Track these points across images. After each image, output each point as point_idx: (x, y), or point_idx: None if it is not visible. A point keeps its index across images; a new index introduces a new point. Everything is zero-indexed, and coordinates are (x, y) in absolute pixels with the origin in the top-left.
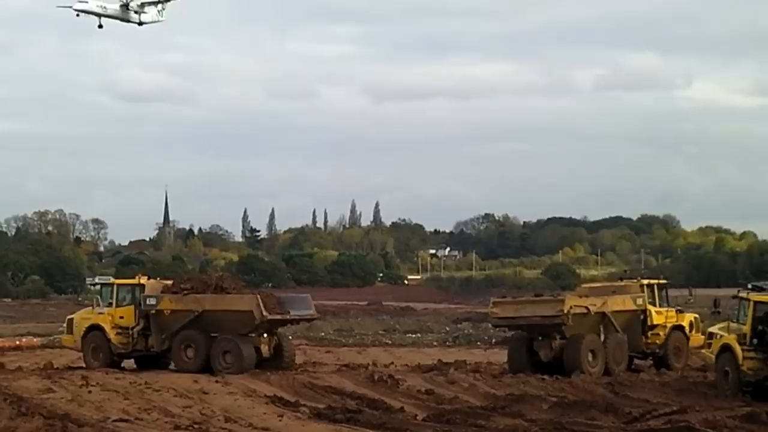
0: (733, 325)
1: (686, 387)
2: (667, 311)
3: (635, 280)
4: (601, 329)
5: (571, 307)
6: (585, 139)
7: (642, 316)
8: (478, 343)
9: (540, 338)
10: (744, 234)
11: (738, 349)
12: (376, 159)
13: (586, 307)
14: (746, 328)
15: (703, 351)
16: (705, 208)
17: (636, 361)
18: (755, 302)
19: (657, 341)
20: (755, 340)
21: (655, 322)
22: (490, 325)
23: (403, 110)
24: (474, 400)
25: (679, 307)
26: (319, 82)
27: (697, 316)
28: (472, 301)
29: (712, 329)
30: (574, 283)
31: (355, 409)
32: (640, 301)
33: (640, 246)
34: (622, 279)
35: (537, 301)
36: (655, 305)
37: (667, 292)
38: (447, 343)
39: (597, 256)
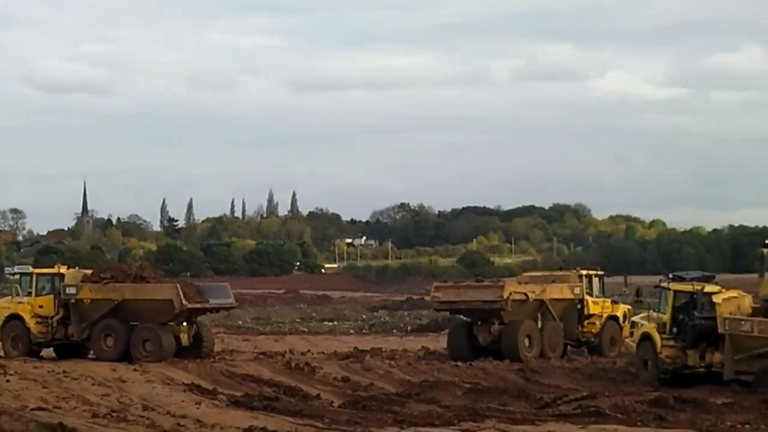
0: (654, 314)
1: (596, 373)
2: (603, 302)
3: (574, 271)
4: (539, 316)
5: (510, 293)
6: (500, 129)
7: (579, 306)
8: (394, 330)
9: (479, 323)
10: (653, 222)
11: (657, 337)
12: (294, 149)
13: (525, 294)
14: (666, 318)
15: (626, 339)
16: (616, 197)
17: (570, 348)
18: (675, 292)
19: (592, 330)
20: (674, 329)
21: (591, 312)
22: (405, 313)
23: (322, 101)
24: (389, 386)
25: (614, 298)
26: (240, 73)
27: (629, 307)
28: (388, 289)
29: (634, 318)
30: (489, 271)
31: (272, 397)
32: (577, 290)
33: (553, 234)
34: (561, 269)
35: (478, 286)
36: (591, 295)
37: (603, 283)
38: (363, 330)
39: (511, 244)
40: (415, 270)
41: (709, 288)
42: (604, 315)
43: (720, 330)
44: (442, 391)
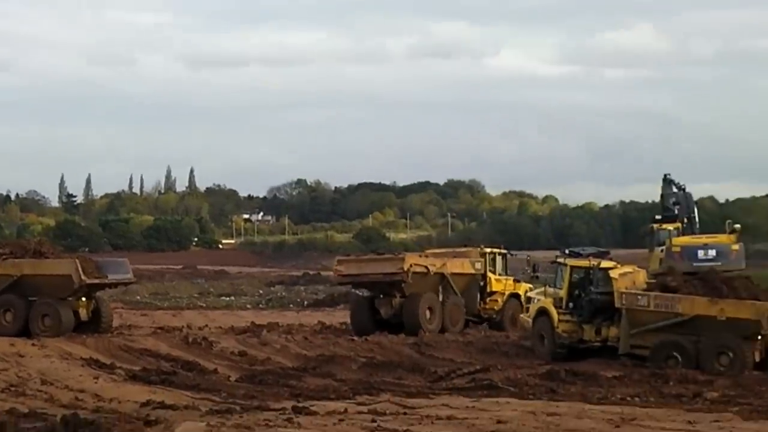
0: (550, 289)
1: (489, 347)
2: (505, 280)
3: (478, 248)
4: (440, 290)
5: (411, 266)
6: (396, 106)
7: (481, 282)
8: (291, 305)
9: (381, 296)
10: (546, 198)
11: (554, 312)
12: (192, 125)
13: (426, 267)
14: (562, 293)
15: (521, 315)
16: (509, 174)
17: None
18: (571, 267)
19: (494, 307)
20: (570, 304)
21: (493, 289)
22: (302, 288)
23: (219, 77)
24: (286, 361)
25: (516, 277)
26: (137, 50)
27: (531, 286)
28: (284, 264)
29: (530, 294)
30: (384, 246)
31: (169, 371)
32: (478, 266)
33: (447, 210)
34: (465, 246)
35: (379, 258)
36: (494, 273)
37: (506, 262)
38: (260, 305)
39: (406, 220)
40: (311, 245)
41: (605, 263)
42: (507, 293)
43: (617, 304)
44: (338, 365)
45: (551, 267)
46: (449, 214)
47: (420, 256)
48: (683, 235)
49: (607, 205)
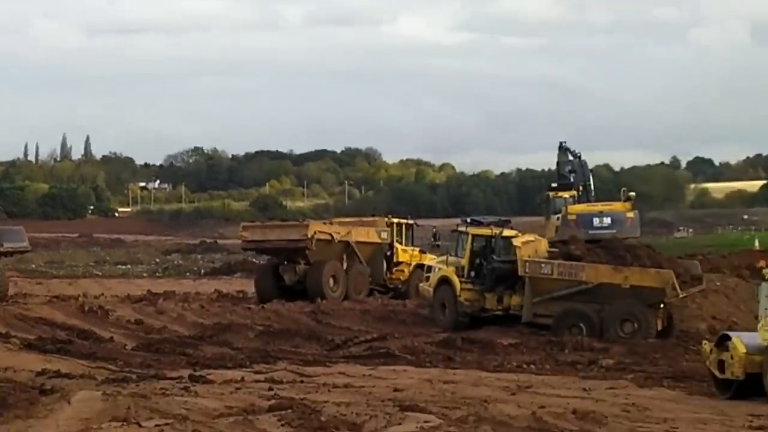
0: (452, 258)
1: (386, 315)
2: (412, 250)
3: (386, 218)
4: (345, 258)
5: (315, 233)
6: (293, 74)
7: (388, 252)
8: (188, 274)
9: (285, 263)
10: (443, 166)
11: (456, 281)
12: (88, 93)
13: (330, 234)
14: (464, 261)
15: (421, 285)
16: (407, 142)
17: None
18: (473, 236)
19: (400, 277)
20: (472, 273)
21: (399, 259)
22: (198, 257)
23: (117, 44)
24: (182, 329)
25: (422, 248)
26: (33, 17)
27: (435, 257)
28: (181, 233)
29: (430, 262)
30: (281, 214)
31: (65, 340)
32: (384, 235)
33: (344, 178)
34: (373, 215)
35: (283, 225)
36: (401, 243)
37: (412, 233)
38: (156, 274)
39: (303, 188)
40: (208, 214)
41: (507, 232)
42: (413, 263)
43: (520, 272)
44: (234, 334)
45: (452, 236)
46: (346, 183)
47: (325, 223)
48: (579, 203)
49: (503, 173)
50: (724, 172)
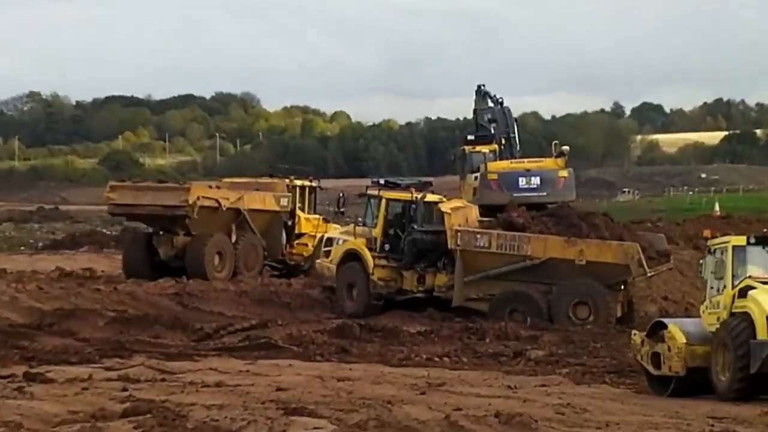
0: (360, 228)
1: (268, 297)
2: (316, 219)
3: (288, 179)
4: (234, 229)
5: (198, 198)
6: (153, 2)
7: (288, 221)
8: (22, 248)
9: (160, 233)
10: (335, 115)
11: (368, 256)
12: None
13: (217, 200)
14: (377, 232)
15: (319, 261)
16: (291, 86)
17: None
18: (388, 201)
19: (304, 252)
20: (387, 246)
21: (303, 230)
22: (36, 227)
23: None
24: (15, 316)
25: (325, 216)
26: None
27: (338, 227)
28: (14, 197)
29: (331, 234)
30: (138, 174)
31: None
32: (284, 201)
33: (215, 130)
34: (271, 176)
35: (160, 187)
36: (303, 211)
37: (316, 197)
38: None
39: (165, 141)
40: (47, 173)
41: (430, 197)
42: (318, 235)
43: (450, 245)
44: (80, 321)
45: (359, 201)
46: (218, 135)
47: (211, 187)
48: (501, 159)
49: (409, 123)
50: (677, 122)
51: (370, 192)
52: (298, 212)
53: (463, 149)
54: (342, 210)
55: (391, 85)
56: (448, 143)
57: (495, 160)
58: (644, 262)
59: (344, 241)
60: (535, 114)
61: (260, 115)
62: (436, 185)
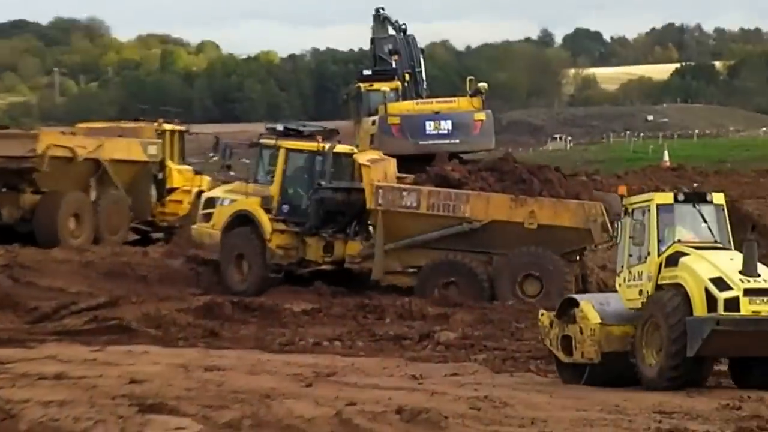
0: (250, 186)
1: (119, 270)
2: (188, 171)
3: (156, 123)
4: (93, 184)
5: (48, 147)
6: None
7: (159, 174)
8: None
9: (3, 190)
10: (202, 46)
11: (265, 220)
12: None
13: (72, 150)
14: (273, 190)
15: (196, 227)
16: (146, 10)
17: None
18: (288, 151)
19: (179, 211)
20: (285, 207)
21: (175, 185)
22: None
23: None
24: None
25: (195, 167)
26: None
27: (209, 178)
28: None
29: (210, 193)
30: None
31: None
32: (153, 150)
33: (54, 64)
34: (136, 119)
35: (1, 134)
36: (175, 161)
37: (184, 144)
38: None
39: None
40: None
41: (341, 147)
42: (193, 189)
43: (370, 205)
44: None
45: (249, 152)
46: (56, 71)
47: (65, 133)
48: (404, 99)
49: (292, 56)
50: (618, 52)
51: (264, 141)
52: (169, 163)
53: (358, 87)
54: (229, 163)
55: (269, 9)
56: (339, 80)
57: (397, 100)
58: (609, 226)
59: (231, 201)
60: (445, 44)
61: (110, 46)
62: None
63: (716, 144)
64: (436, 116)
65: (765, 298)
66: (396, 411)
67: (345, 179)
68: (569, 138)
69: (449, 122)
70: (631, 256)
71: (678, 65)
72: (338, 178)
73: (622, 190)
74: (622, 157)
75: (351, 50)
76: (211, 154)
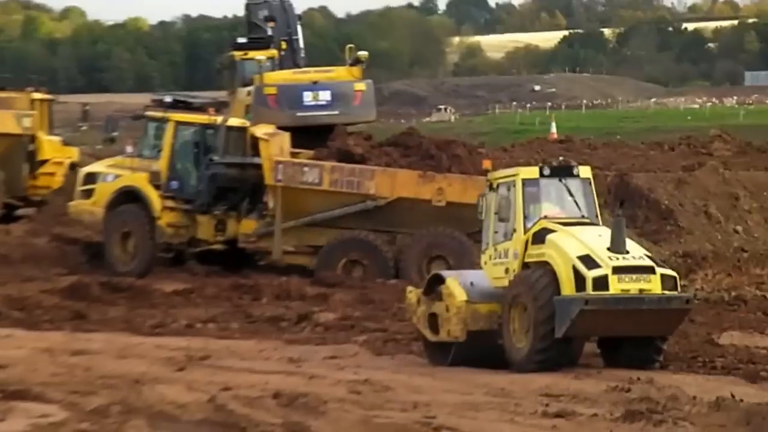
0: (137, 160)
1: None
2: (58, 142)
3: (24, 92)
4: None
5: None
6: None
7: (30, 146)
8: None
9: None
10: (66, 12)
11: (154, 195)
12: None
13: None
14: (161, 165)
15: (75, 204)
16: None
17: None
18: (177, 125)
19: (51, 184)
20: (174, 183)
21: (47, 157)
22: None
23: None
24: None
25: (65, 139)
26: None
27: (78, 149)
28: None
29: (91, 168)
30: None
31: None
32: (28, 122)
33: None
34: (4, 88)
35: None
36: (45, 132)
37: (51, 114)
38: None
39: None
40: None
41: (233, 120)
42: (66, 161)
43: (269, 180)
44: None
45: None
46: None
47: None
48: (281, 68)
49: (162, 23)
50: (504, 20)
51: (151, 114)
52: (39, 134)
53: (232, 56)
54: (113, 135)
55: None
56: (213, 48)
57: (274, 69)
58: None
59: (116, 177)
60: (324, 11)
61: None
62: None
63: (605, 115)
64: (315, 86)
65: (634, 276)
66: (273, 396)
67: (237, 154)
68: (452, 109)
69: (328, 93)
70: (496, 233)
71: (566, 33)
72: (230, 152)
73: (487, 164)
74: (508, 129)
75: (225, 17)
76: (80, 125)
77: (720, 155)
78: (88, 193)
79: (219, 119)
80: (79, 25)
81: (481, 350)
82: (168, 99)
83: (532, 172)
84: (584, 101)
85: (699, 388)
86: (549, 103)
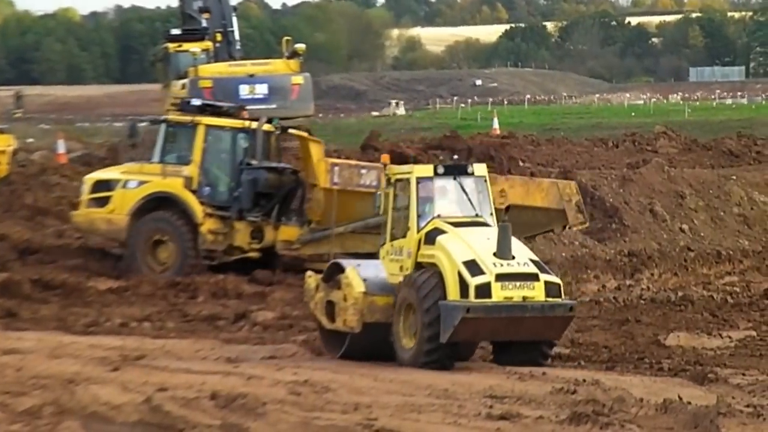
0: (161, 166)
1: None
2: None
3: None
4: None
5: None
6: None
7: None
8: None
9: None
10: None
11: (194, 202)
12: None
13: None
14: (191, 171)
15: (77, 213)
16: None
17: None
18: (208, 129)
19: None
20: (207, 189)
21: None
22: None
23: None
24: None
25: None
26: None
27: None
28: None
29: (100, 175)
30: None
31: None
32: None
33: None
34: None
35: None
36: None
37: None
38: None
39: None
40: None
41: (266, 126)
42: (9, 149)
43: (325, 183)
44: None
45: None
46: None
47: None
48: (217, 60)
49: (94, 14)
50: (444, 13)
51: (175, 118)
52: None
53: (166, 48)
54: (134, 140)
55: None
56: (146, 40)
57: (209, 62)
58: (583, 207)
59: (140, 183)
60: (260, 2)
61: None
62: (133, 95)
63: (548, 111)
64: (251, 79)
65: (517, 283)
66: (210, 397)
67: (270, 159)
68: (403, 103)
69: (265, 86)
70: (393, 229)
71: (507, 27)
72: (265, 157)
73: (385, 158)
74: (449, 124)
75: (158, 8)
76: (14, 111)
77: (665, 152)
78: (100, 201)
79: (256, 123)
80: (8, 16)
81: (375, 343)
82: (197, 102)
83: (427, 170)
84: (527, 96)
85: (646, 389)
86: (491, 99)
